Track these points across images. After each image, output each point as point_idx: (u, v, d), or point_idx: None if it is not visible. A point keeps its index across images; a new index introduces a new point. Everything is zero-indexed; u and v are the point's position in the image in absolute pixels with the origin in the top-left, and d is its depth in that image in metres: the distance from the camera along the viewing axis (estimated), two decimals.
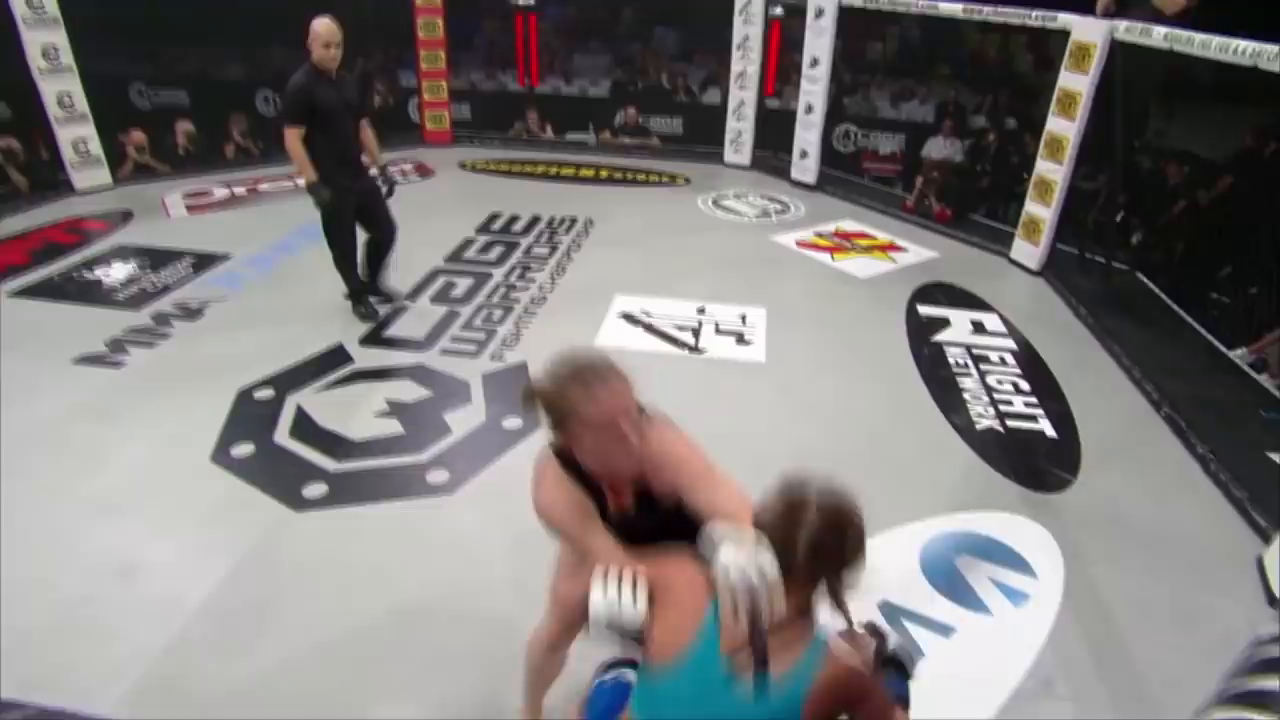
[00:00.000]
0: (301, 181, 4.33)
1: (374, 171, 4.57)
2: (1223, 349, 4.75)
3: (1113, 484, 3.58)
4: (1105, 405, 4.23)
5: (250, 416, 3.77)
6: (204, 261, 5.52)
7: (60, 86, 6.47)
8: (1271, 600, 2.89)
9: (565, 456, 1.63)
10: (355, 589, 2.81)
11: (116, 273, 5.31)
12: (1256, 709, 0.66)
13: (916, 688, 2.46)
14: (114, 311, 4.76)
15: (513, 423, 3.80)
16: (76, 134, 6.67)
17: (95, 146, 6.80)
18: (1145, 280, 5.78)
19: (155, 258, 5.56)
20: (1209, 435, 3.83)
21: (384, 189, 4.59)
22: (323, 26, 4.08)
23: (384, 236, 4.71)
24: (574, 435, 1.54)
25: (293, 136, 4.15)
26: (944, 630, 2.72)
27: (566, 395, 1.51)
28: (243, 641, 2.58)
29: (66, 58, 6.42)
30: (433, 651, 2.58)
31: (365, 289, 4.77)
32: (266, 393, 3.96)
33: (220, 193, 7.06)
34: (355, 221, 4.58)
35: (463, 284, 5.29)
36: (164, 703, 2.36)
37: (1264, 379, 4.37)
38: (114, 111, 7.37)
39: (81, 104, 6.59)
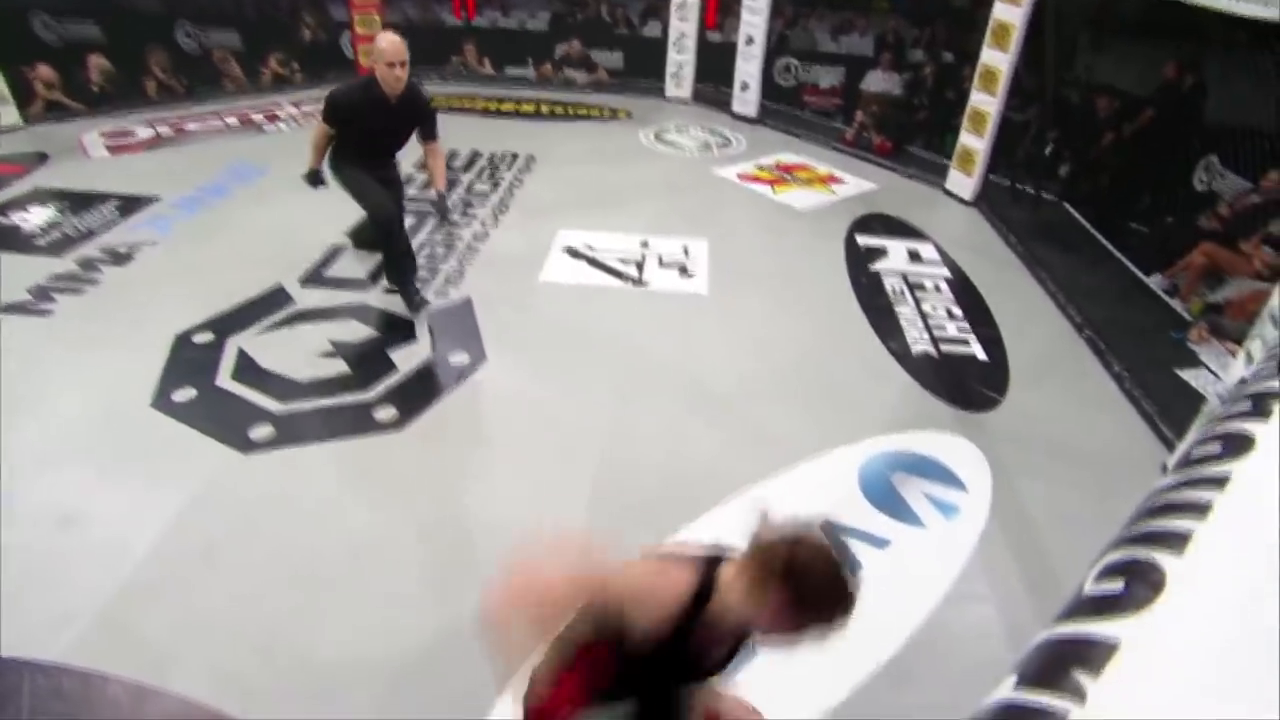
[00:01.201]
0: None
1: (434, 196, 4.18)
2: (1140, 275, 4.98)
3: (1037, 402, 3.78)
4: (1032, 329, 4.43)
5: (190, 361, 3.71)
6: (130, 204, 5.30)
7: None
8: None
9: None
10: (306, 528, 2.83)
11: (35, 217, 5.06)
12: (1151, 547, 0.76)
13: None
14: (35, 259, 4.56)
15: (459, 358, 3.81)
16: None
17: None
18: (1072, 210, 5.99)
19: (76, 201, 5.31)
20: (1125, 355, 4.06)
21: (437, 216, 4.43)
22: (388, 44, 3.67)
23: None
24: (770, 610, 1.30)
25: (317, 129, 3.90)
26: (880, 543, 2.88)
27: (814, 603, 1.30)
28: (193, 583, 2.60)
29: None
30: (384, 585, 2.63)
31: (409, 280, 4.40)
32: (206, 336, 3.89)
33: (144, 132, 6.74)
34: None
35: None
36: (115, 645, 2.37)
37: (1175, 303, 4.62)
38: (16, 44, 6.92)
39: None
